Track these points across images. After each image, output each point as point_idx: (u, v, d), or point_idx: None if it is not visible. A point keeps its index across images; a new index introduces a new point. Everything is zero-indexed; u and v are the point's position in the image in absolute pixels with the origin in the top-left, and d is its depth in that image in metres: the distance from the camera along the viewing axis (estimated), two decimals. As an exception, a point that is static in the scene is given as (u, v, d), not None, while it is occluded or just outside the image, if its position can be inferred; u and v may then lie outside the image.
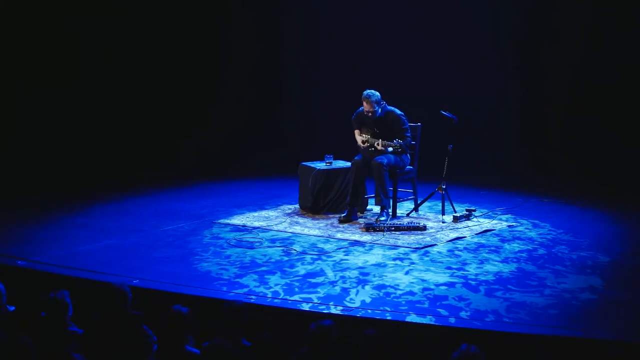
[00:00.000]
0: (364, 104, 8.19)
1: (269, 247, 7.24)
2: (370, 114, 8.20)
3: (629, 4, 10.21)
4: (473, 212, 8.30)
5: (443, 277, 6.32)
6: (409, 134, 8.27)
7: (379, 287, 6.05)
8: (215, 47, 11.98)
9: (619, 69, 10.32)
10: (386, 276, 6.33)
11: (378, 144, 8.12)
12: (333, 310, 5.56)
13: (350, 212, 8.15)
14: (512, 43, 10.95)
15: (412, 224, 7.85)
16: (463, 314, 5.52)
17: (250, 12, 12.02)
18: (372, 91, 8.18)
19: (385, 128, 8.23)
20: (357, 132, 8.45)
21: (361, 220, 8.13)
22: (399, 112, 8.28)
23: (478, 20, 10.92)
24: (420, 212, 8.58)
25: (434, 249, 7.18)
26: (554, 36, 10.76)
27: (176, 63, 11.58)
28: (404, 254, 7.00)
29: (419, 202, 8.58)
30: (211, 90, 12.00)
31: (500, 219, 8.35)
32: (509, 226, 8.05)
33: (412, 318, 5.43)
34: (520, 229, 7.97)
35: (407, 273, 6.43)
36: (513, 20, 10.88)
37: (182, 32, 11.57)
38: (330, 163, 8.70)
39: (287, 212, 8.65)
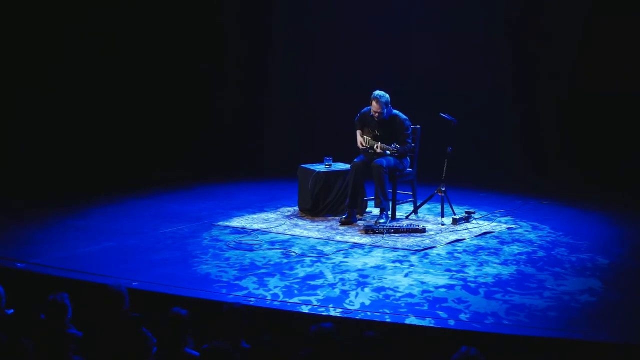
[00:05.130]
0: (373, 103, 8.18)
1: (268, 249, 7.24)
2: (377, 115, 8.19)
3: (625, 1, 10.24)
4: (472, 214, 8.29)
5: (442, 280, 6.32)
6: (409, 140, 8.28)
7: (378, 290, 6.05)
8: (213, 47, 11.97)
9: (617, 69, 10.32)
10: (385, 278, 6.33)
11: (377, 147, 8.13)
12: (332, 313, 5.55)
13: (350, 214, 8.16)
14: (511, 45, 10.95)
15: (412, 226, 7.85)
16: (462, 316, 5.52)
17: (244, 11, 12.00)
18: (383, 92, 8.18)
19: (388, 131, 8.23)
20: (359, 132, 8.45)
21: (360, 223, 8.13)
22: (403, 116, 8.28)
23: (478, 21, 10.92)
24: (419, 215, 8.59)
25: (433, 251, 7.18)
26: (551, 37, 10.77)
27: (172, 64, 11.57)
28: (403, 256, 7.00)
29: (418, 204, 8.58)
30: (208, 92, 11.99)
31: (500, 221, 8.35)
32: (508, 228, 8.05)
33: (412, 320, 5.43)
34: (519, 231, 7.97)
35: (406, 275, 6.43)
36: (512, 21, 10.89)
37: (179, 34, 11.56)
38: (330, 165, 8.70)
39: (286, 214, 8.65)
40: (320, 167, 8.66)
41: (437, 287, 6.12)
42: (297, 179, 8.81)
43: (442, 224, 8.11)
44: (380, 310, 5.60)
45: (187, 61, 11.71)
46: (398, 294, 5.95)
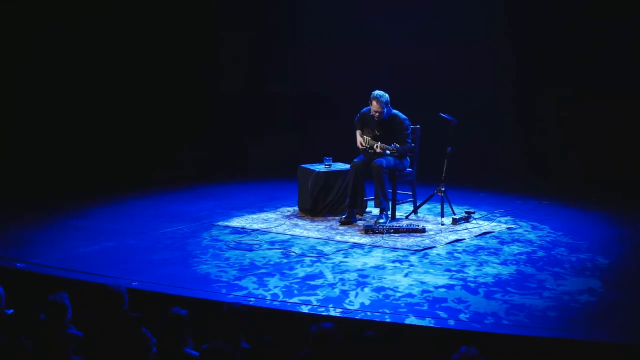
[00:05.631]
0: (373, 103, 8.18)
1: (268, 249, 7.24)
2: (377, 115, 8.19)
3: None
4: (472, 215, 8.29)
5: (442, 280, 6.32)
6: (409, 139, 8.28)
7: (378, 290, 6.05)
8: (213, 46, 11.98)
9: (617, 70, 10.32)
10: (385, 278, 6.32)
11: (377, 147, 8.13)
12: (332, 313, 5.55)
13: (350, 214, 8.16)
14: (511, 45, 10.95)
15: (411, 226, 7.84)
16: (462, 316, 5.52)
17: (244, 11, 12.00)
18: (382, 92, 8.18)
19: (388, 131, 8.23)
20: (359, 132, 8.46)
21: (360, 223, 8.13)
22: (402, 116, 8.28)
23: (478, 21, 10.92)
24: (419, 215, 8.58)
25: (433, 251, 7.18)
26: (550, 37, 10.77)
27: (172, 64, 11.58)
28: (403, 256, 7.00)
29: (418, 204, 8.58)
30: (209, 91, 12.00)
31: (500, 221, 8.35)
32: (508, 228, 8.05)
33: (412, 320, 5.43)
34: (519, 231, 7.97)
35: (406, 275, 6.43)
36: (512, 21, 10.89)
37: (180, 33, 11.57)
38: (330, 165, 8.70)
39: (286, 214, 8.65)
40: (320, 167, 8.66)
41: (437, 287, 6.12)
42: (297, 179, 8.81)
43: (442, 224, 8.11)
44: (380, 310, 5.60)
45: (187, 61, 11.72)
46: (398, 294, 5.95)
